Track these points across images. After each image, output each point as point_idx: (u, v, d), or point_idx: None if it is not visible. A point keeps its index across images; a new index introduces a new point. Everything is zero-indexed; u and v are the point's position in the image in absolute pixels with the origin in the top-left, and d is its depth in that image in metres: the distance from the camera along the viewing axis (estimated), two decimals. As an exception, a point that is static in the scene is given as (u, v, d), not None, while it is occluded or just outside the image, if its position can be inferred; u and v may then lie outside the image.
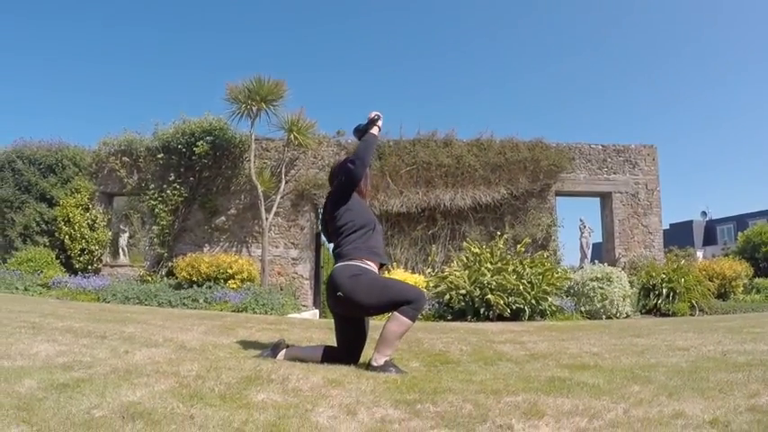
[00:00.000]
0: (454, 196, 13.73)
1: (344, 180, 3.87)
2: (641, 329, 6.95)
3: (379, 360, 3.54)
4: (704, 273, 12.82)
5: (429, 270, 12.38)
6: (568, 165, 14.59)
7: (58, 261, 14.14)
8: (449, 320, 9.41)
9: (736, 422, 2.26)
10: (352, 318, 3.81)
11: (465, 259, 10.65)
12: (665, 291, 11.10)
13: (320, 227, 4.20)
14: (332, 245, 3.95)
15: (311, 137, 13.83)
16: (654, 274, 11.57)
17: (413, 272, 12.44)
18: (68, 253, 14.24)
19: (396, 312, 3.56)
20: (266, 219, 13.27)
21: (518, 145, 14.43)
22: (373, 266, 3.76)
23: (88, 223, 14.37)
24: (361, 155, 3.87)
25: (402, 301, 3.55)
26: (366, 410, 2.51)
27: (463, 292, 9.62)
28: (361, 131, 4.02)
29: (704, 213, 46.76)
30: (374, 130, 4.00)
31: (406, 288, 3.74)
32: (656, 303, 11.10)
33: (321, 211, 4.07)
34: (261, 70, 12.63)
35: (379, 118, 4.00)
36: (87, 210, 14.63)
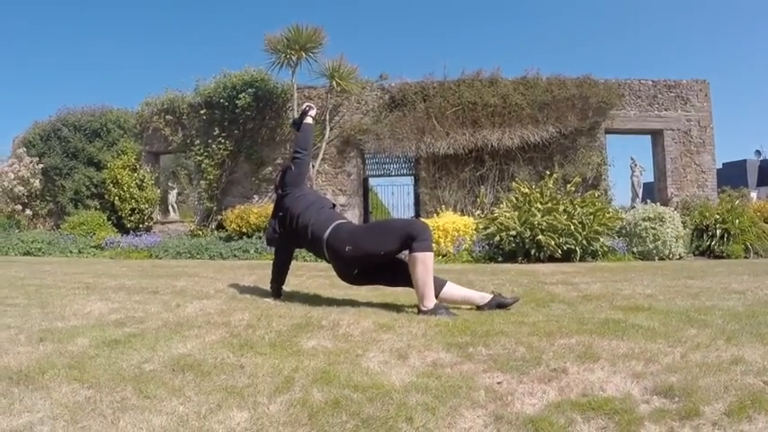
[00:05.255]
0: (501, 136, 13.47)
1: (295, 170, 4.34)
2: (695, 271, 6.82)
3: (428, 303, 3.55)
4: (759, 214, 12.34)
5: (478, 212, 12.31)
6: (618, 101, 14.14)
7: (110, 222, 14.52)
8: (499, 262, 9.38)
9: (799, 371, 2.17)
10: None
11: (514, 200, 10.53)
12: (718, 232, 10.79)
13: (271, 230, 4.33)
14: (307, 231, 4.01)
15: (354, 82, 13.69)
16: (707, 214, 11.25)
17: (462, 214, 12.35)
18: (119, 213, 14.60)
19: (412, 254, 3.63)
20: (313, 166, 13.27)
21: (565, 82, 14.04)
22: None
23: (136, 183, 14.67)
24: (302, 145, 4.45)
25: (406, 236, 3.65)
26: (417, 354, 2.52)
27: (513, 233, 9.54)
28: (297, 124, 4.51)
29: (758, 152, 45.05)
30: (308, 120, 4.50)
31: (401, 226, 3.93)
32: (709, 245, 10.82)
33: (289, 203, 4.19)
34: (299, 19, 12.50)
35: (310, 108, 4.53)
36: (135, 170, 14.92)
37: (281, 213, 4.22)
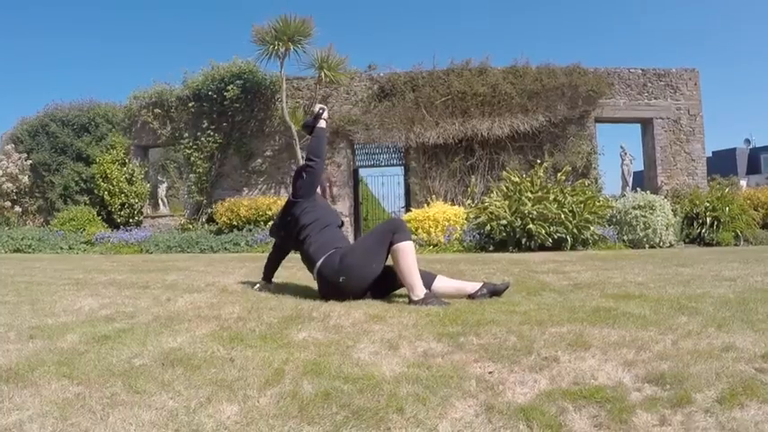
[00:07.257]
0: (491, 125, 13.50)
1: (307, 179, 4.12)
2: (685, 259, 6.85)
3: (418, 293, 3.54)
4: (749, 202, 12.50)
5: (469, 201, 12.34)
6: (607, 90, 14.17)
7: (100, 217, 14.46)
8: (490, 251, 9.41)
9: (790, 357, 2.17)
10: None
11: (505, 189, 10.56)
12: (708, 220, 10.89)
13: (276, 227, 4.35)
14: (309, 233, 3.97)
15: (342, 73, 13.64)
16: (697, 202, 11.34)
17: (452, 204, 12.38)
18: (109, 208, 14.55)
19: (394, 247, 3.63)
20: (302, 158, 13.20)
21: (555, 71, 14.06)
22: None
23: (126, 177, 14.62)
24: (315, 152, 4.20)
25: (391, 233, 3.67)
26: (408, 345, 2.51)
27: (504, 222, 9.56)
28: (310, 127, 4.24)
29: (747, 141, 45.31)
30: (321, 124, 4.23)
31: (381, 230, 3.87)
32: (699, 233, 10.91)
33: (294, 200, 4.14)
34: (287, 10, 12.44)
35: (323, 111, 4.25)
36: (124, 164, 14.87)
37: (288, 219, 4.16)
